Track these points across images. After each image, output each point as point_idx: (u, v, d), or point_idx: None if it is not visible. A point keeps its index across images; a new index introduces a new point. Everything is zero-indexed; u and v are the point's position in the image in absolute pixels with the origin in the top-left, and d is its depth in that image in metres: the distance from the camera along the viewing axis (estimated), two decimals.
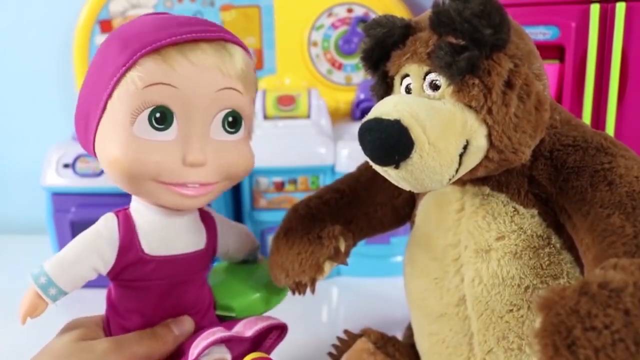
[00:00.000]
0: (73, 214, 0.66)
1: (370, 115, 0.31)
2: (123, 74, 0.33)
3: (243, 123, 0.37)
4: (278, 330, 0.42)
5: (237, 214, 0.73)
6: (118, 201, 0.39)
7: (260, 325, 0.39)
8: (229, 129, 0.36)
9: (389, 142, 0.30)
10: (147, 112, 0.33)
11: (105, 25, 0.84)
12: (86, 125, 0.36)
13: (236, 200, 0.73)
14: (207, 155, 0.35)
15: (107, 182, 0.65)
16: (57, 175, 0.67)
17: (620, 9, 0.52)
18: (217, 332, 0.37)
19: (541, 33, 0.55)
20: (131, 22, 0.36)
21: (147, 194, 0.36)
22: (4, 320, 0.58)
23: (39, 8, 0.88)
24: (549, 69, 0.55)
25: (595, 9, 0.53)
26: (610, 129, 0.54)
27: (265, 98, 0.72)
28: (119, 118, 0.33)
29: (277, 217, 0.44)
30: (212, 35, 0.35)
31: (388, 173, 0.31)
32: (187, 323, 0.39)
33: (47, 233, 0.69)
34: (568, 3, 0.54)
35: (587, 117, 0.55)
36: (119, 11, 0.84)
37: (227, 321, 0.41)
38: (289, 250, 0.40)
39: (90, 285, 0.37)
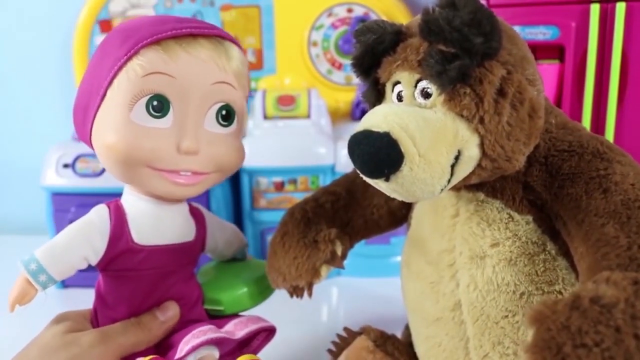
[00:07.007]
0: (73, 214, 0.66)
1: (360, 126, 0.30)
2: (124, 63, 0.34)
3: (236, 118, 0.38)
4: (267, 332, 0.42)
5: (237, 214, 0.73)
6: None
7: (251, 328, 0.40)
8: (222, 122, 0.37)
9: (379, 155, 0.29)
10: (145, 99, 0.35)
11: (105, 25, 0.84)
12: (84, 115, 0.37)
13: (236, 200, 0.73)
14: (201, 144, 0.36)
15: (107, 182, 0.65)
16: (57, 175, 0.67)
17: (620, 9, 0.52)
18: (209, 332, 0.37)
19: (541, 33, 0.55)
20: (131, 20, 0.37)
21: (140, 182, 0.36)
22: (4, 320, 0.59)
23: (39, 8, 0.88)
24: (549, 69, 0.55)
25: (595, 9, 0.53)
26: (610, 129, 0.54)
27: (265, 98, 0.72)
28: (118, 105, 0.35)
29: (277, 217, 0.44)
30: (210, 31, 0.36)
31: (379, 185, 0.31)
32: (171, 308, 0.39)
33: (47, 233, 0.69)
34: (568, 3, 0.54)
35: (587, 117, 0.55)
36: (119, 11, 0.84)
37: (216, 317, 0.41)
38: (286, 254, 0.40)
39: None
